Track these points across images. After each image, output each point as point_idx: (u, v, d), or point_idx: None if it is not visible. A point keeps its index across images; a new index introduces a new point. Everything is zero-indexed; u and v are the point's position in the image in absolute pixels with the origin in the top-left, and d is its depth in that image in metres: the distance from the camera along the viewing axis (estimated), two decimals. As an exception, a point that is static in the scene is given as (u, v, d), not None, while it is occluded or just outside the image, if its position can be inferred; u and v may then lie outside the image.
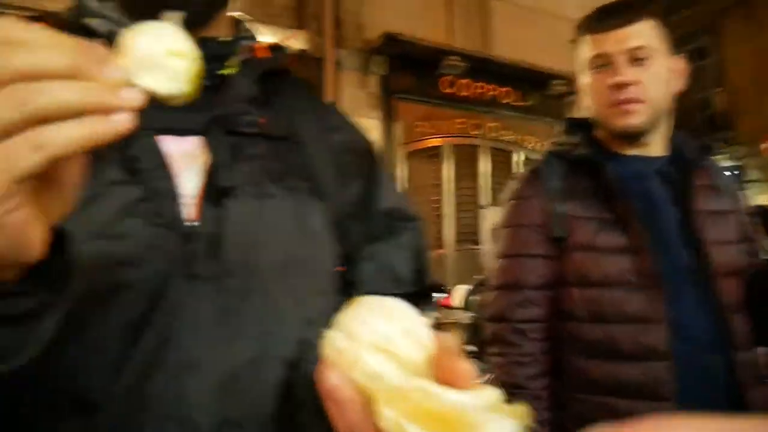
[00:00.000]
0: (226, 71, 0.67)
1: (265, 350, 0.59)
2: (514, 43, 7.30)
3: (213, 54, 0.64)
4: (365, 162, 0.79)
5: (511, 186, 1.37)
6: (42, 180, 0.34)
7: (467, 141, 7.33)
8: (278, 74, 0.74)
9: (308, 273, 0.65)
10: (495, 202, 6.44)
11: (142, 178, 0.57)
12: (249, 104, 0.67)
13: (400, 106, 6.80)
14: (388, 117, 6.72)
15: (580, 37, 1.30)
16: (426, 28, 6.79)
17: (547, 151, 1.36)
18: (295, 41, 6.10)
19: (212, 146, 0.62)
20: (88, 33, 0.62)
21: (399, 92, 6.77)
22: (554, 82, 7.44)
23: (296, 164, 0.68)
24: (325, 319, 0.57)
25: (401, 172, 6.80)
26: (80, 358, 0.52)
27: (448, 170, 7.14)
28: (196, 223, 0.58)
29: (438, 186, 7.07)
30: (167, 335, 0.54)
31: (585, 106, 1.32)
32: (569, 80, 7.14)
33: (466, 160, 7.30)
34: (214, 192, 0.60)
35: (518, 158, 7.65)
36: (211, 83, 0.63)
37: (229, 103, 0.65)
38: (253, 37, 0.73)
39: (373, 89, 6.64)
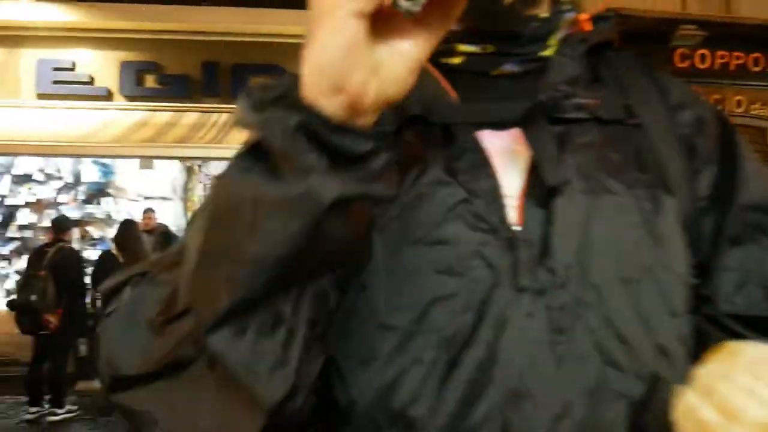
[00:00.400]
0: (546, 52, 0.59)
1: (604, 382, 0.49)
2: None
3: (531, 35, 0.58)
4: (719, 143, 0.62)
5: None
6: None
7: (708, 119, 6.46)
8: (604, 48, 0.64)
9: (657, 287, 0.53)
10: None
11: (463, 178, 0.52)
12: (574, 86, 0.57)
13: (627, 86, 6.25)
14: (613, 100, 6.22)
15: None
16: (652, -2, 6.20)
17: None
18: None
19: (534, 138, 0.54)
20: None
21: (624, 72, 6.22)
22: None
23: (637, 152, 0.57)
24: (679, 348, 0.51)
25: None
26: (400, 371, 0.49)
27: (687, 153, 6.37)
28: (519, 228, 0.51)
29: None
30: (493, 354, 0.49)
31: None
32: None
33: (708, 141, 6.45)
34: (539, 191, 0.53)
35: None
36: (531, 68, 0.58)
37: (551, 87, 0.56)
38: (574, 9, 0.62)
39: (597, 71, 6.20)
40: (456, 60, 0.58)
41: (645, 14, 5.95)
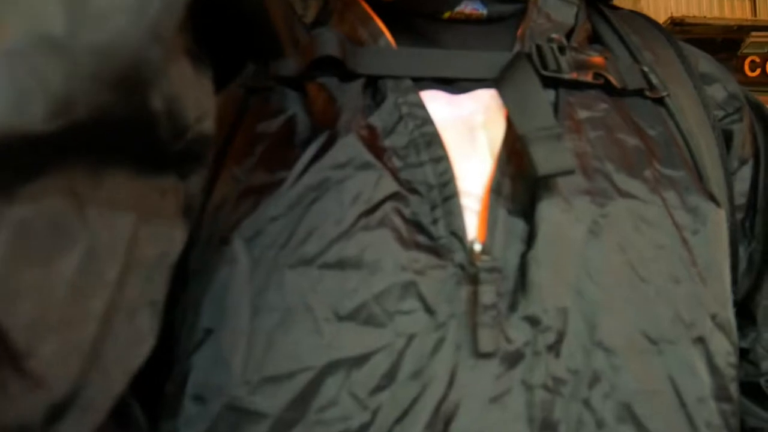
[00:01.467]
0: None
1: None
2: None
3: None
4: (761, 135, 0.45)
5: None
6: None
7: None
8: (599, 2, 0.47)
9: (700, 352, 0.33)
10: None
11: (394, 161, 0.33)
12: (568, 39, 0.41)
13: (695, 97, 6.01)
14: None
15: None
16: (721, 4, 5.94)
17: None
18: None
19: (517, 98, 0.34)
20: None
21: (693, 82, 5.99)
22: None
23: (663, 137, 0.39)
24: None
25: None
26: None
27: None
28: (480, 247, 0.31)
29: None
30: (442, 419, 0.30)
31: None
32: None
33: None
34: (514, 187, 0.33)
35: None
36: (504, 11, 0.41)
37: (536, 35, 0.39)
38: None
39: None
40: None
41: (713, 22, 5.69)
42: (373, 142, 0.33)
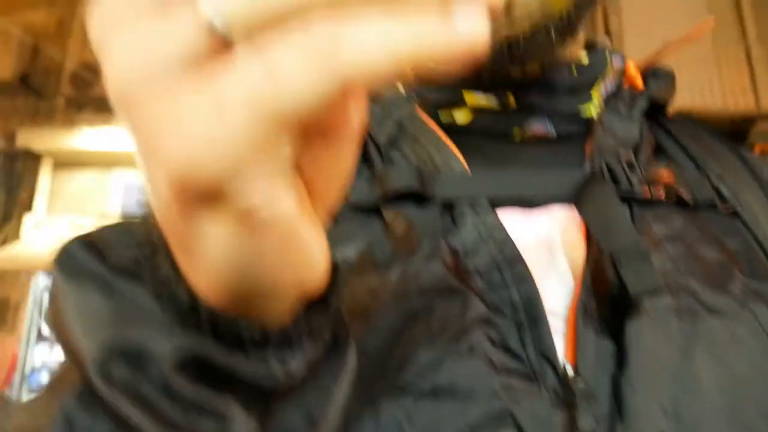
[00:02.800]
0: (588, 109, 0.42)
1: None
2: None
3: (568, 84, 0.42)
4: None
5: None
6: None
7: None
8: (659, 110, 0.47)
9: None
10: None
11: (480, 284, 0.33)
12: (636, 155, 0.40)
13: (706, 185, 6.01)
14: (692, 201, 5.96)
15: None
16: (724, 96, 6.07)
17: None
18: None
19: (596, 223, 0.34)
20: None
21: (701, 171, 6.01)
22: None
23: (743, 249, 0.37)
24: None
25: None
26: None
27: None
28: (572, 371, 0.31)
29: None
30: None
31: None
32: None
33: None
34: (599, 307, 0.33)
35: None
36: (571, 131, 0.41)
37: (606, 153, 0.39)
38: (611, 57, 0.46)
39: (671, 174, 6.04)
40: (462, 116, 0.41)
41: (719, 113, 5.79)
42: (455, 265, 0.33)
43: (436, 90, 0.42)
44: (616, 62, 0.45)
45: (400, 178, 0.36)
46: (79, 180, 3.95)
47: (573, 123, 0.42)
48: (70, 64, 2.97)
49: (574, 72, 0.42)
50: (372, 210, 0.36)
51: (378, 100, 0.42)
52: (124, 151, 6.90)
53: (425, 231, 0.35)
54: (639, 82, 0.46)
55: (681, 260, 0.35)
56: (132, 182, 6.68)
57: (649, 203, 0.37)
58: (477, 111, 0.41)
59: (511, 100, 0.41)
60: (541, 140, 0.41)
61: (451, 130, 0.41)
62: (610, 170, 0.38)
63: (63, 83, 3.06)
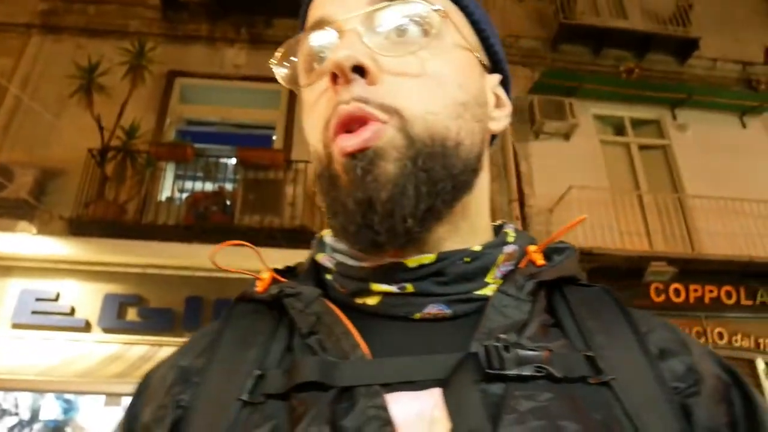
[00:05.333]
0: (483, 291, 0.49)
1: None
2: (724, 237, 6.73)
3: (459, 273, 0.49)
4: (726, 406, 0.46)
5: None
6: None
7: (692, 352, 6.43)
8: (564, 284, 0.52)
9: None
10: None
11: None
12: (520, 333, 0.45)
13: (607, 321, 6.32)
14: (596, 334, 6.24)
15: None
16: (621, 237, 6.58)
17: None
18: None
19: (457, 403, 0.40)
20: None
21: (603, 307, 6.34)
22: (787, 271, 6.55)
23: (608, 421, 0.41)
24: None
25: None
26: None
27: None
28: None
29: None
30: None
31: None
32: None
33: (696, 374, 6.34)
34: None
35: (762, 366, 6.48)
36: (466, 310, 0.48)
37: (487, 336, 0.44)
38: (519, 240, 0.54)
39: (576, 307, 6.33)
40: (371, 301, 0.50)
41: (616, 253, 6.25)
42: None
43: (350, 280, 0.51)
44: (508, 249, 0.53)
45: (305, 373, 0.43)
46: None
47: (469, 303, 0.49)
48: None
49: (468, 260, 0.50)
50: (282, 397, 0.43)
51: (299, 298, 0.50)
52: (27, 255, 6.43)
53: (314, 414, 0.41)
54: (539, 259, 0.53)
55: None
56: (31, 290, 6.28)
57: (524, 379, 0.42)
58: (384, 295, 0.49)
59: (409, 287, 0.49)
60: (438, 319, 0.48)
61: (363, 312, 0.49)
62: (488, 352, 0.43)
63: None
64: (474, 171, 0.51)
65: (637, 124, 8.12)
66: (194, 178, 6.65)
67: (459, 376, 0.42)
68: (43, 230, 6.10)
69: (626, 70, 7.94)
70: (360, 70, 0.46)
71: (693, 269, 6.51)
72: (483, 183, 0.55)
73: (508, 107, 0.59)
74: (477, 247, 0.51)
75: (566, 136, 7.48)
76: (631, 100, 7.94)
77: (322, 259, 0.55)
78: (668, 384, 0.45)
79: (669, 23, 8.44)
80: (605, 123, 8.09)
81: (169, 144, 6.77)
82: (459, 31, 0.52)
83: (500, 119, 0.58)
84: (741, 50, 8.79)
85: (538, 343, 0.45)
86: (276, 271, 0.56)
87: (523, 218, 6.63)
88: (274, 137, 7.28)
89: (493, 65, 0.58)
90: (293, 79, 0.55)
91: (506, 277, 0.50)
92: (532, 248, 0.53)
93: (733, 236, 6.77)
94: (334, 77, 0.47)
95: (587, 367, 0.44)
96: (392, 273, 0.49)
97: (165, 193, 6.61)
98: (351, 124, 0.46)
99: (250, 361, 0.46)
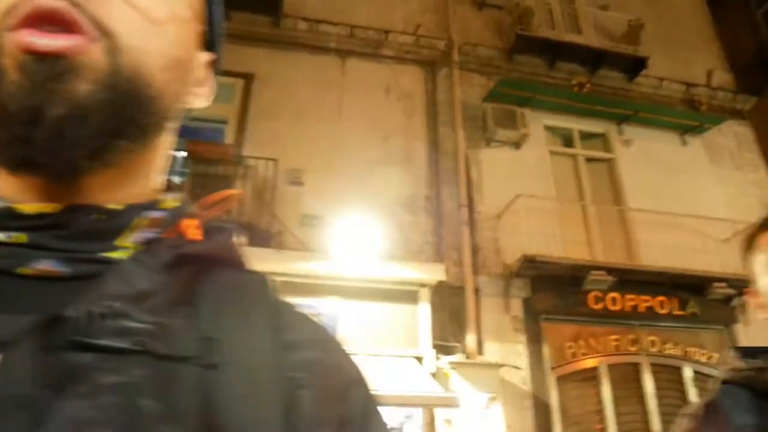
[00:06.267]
0: (113, 254, 0.45)
1: None
2: (661, 249, 7.03)
3: (86, 229, 0.44)
4: (344, 402, 0.47)
5: (685, 426, 1.09)
6: None
7: (625, 359, 6.71)
8: (221, 265, 0.49)
9: None
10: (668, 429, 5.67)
11: None
12: (137, 304, 0.41)
13: (547, 327, 6.53)
14: (535, 340, 6.43)
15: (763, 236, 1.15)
16: (564, 246, 6.76)
17: (724, 380, 1.09)
18: (435, 273, 6.31)
19: (8, 368, 0.36)
20: None
21: (544, 313, 6.56)
22: (715, 285, 6.87)
23: (202, 402, 0.40)
24: None
25: (554, 400, 6.24)
26: None
27: (607, 393, 6.45)
28: None
29: (599, 412, 6.35)
30: None
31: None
32: (733, 282, 6.62)
33: (627, 380, 6.62)
34: None
35: (689, 374, 6.81)
36: (87, 271, 0.43)
37: (95, 300, 0.40)
38: (178, 211, 0.50)
39: (517, 313, 6.50)
40: None
41: (558, 261, 6.42)
42: None
43: None
44: (150, 214, 0.48)
45: None
46: None
47: (92, 264, 0.43)
48: None
49: (101, 217, 0.45)
50: None
51: None
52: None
53: None
54: (193, 234, 0.49)
55: (111, 410, 0.36)
56: None
57: (119, 352, 0.38)
58: None
59: (21, 237, 0.42)
60: (50, 278, 0.42)
61: None
62: (88, 318, 0.38)
63: None
64: (161, 129, 0.49)
65: (585, 136, 8.38)
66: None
67: (24, 339, 0.37)
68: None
69: (578, 84, 8.19)
70: None
71: (630, 279, 6.76)
72: (163, 147, 0.51)
73: (209, 90, 0.57)
74: (116, 206, 0.46)
75: (517, 145, 7.65)
76: (581, 114, 8.19)
77: None
78: (285, 374, 0.44)
79: (621, 41, 8.75)
80: (555, 134, 8.33)
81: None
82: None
83: (200, 97, 0.56)
84: (686, 72, 9.21)
85: (157, 317, 0.41)
86: None
87: (472, 223, 6.75)
88: (224, 131, 7.17)
89: (210, 45, 0.57)
90: None
91: (148, 244, 0.46)
92: (188, 222, 0.50)
93: (668, 249, 7.06)
94: None
95: (201, 348, 0.42)
96: (3, 218, 0.43)
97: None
98: (48, 23, 0.40)
99: None
